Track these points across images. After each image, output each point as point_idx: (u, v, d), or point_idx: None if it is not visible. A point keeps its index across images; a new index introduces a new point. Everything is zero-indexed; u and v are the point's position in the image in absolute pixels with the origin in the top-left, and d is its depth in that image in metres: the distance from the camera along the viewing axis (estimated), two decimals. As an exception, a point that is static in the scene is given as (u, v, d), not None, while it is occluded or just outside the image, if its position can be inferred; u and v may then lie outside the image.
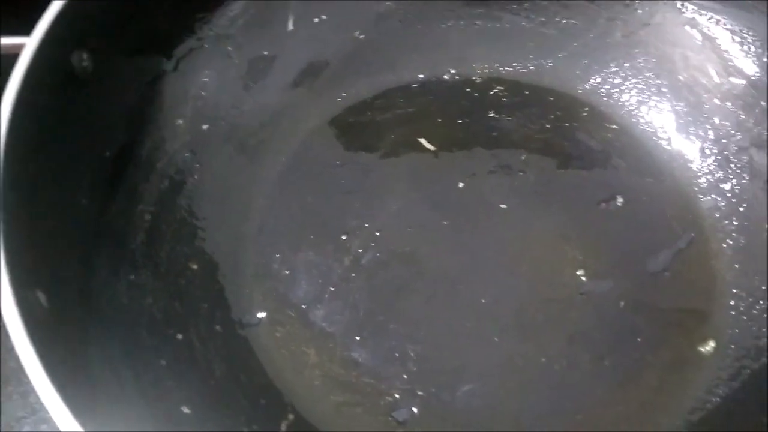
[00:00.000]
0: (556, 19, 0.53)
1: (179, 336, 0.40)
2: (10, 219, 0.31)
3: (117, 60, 0.40)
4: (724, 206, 0.47)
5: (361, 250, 0.46)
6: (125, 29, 0.41)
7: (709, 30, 0.49)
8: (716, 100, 0.49)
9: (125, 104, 0.42)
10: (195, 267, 0.43)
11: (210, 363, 0.40)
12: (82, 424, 0.27)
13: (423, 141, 0.51)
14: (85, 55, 0.37)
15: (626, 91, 0.52)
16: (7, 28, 0.43)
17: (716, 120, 0.49)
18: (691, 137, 0.50)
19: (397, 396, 0.41)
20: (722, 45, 0.49)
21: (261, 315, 0.43)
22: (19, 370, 0.43)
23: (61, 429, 0.27)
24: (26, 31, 0.34)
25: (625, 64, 0.52)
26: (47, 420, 0.42)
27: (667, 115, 0.51)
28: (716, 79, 0.49)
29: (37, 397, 0.43)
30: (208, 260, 0.44)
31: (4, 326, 0.31)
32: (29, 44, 0.34)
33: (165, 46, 0.45)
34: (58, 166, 0.36)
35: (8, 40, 0.43)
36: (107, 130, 0.40)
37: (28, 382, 0.43)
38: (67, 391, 0.27)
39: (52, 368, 0.28)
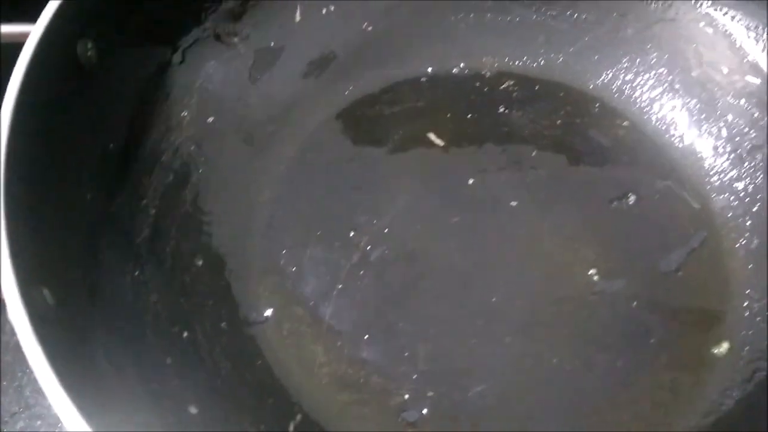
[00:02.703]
0: (568, 12, 0.52)
1: (185, 334, 0.39)
2: (13, 214, 0.30)
3: (122, 50, 0.40)
4: (737, 205, 0.47)
5: (369, 247, 0.45)
6: (130, 18, 0.40)
7: (724, 26, 0.48)
8: (730, 98, 0.49)
9: (129, 96, 0.41)
10: (200, 263, 0.42)
11: (216, 361, 0.39)
12: (90, 424, 0.26)
13: (432, 136, 0.50)
14: (90, 44, 0.37)
15: (638, 87, 0.51)
16: (12, 15, 0.42)
17: (730, 118, 0.49)
18: (704, 135, 0.49)
19: (406, 396, 0.40)
20: (737, 41, 0.48)
21: (268, 312, 0.42)
22: (15, 364, 0.43)
23: (68, 429, 0.26)
24: (31, 18, 0.33)
25: (638, 60, 0.51)
26: (42, 416, 0.41)
27: (680, 112, 0.50)
28: (730, 77, 0.49)
29: (32, 392, 0.42)
30: (214, 256, 0.43)
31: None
32: (34, 32, 0.33)
33: (170, 36, 0.44)
34: (62, 159, 0.35)
35: (13, 28, 0.42)
36: (111, 123, 0.40)
37: (23, 377, 0.43)
38: (74, 391, 0.27)
39: (59, 367, 0.27)
